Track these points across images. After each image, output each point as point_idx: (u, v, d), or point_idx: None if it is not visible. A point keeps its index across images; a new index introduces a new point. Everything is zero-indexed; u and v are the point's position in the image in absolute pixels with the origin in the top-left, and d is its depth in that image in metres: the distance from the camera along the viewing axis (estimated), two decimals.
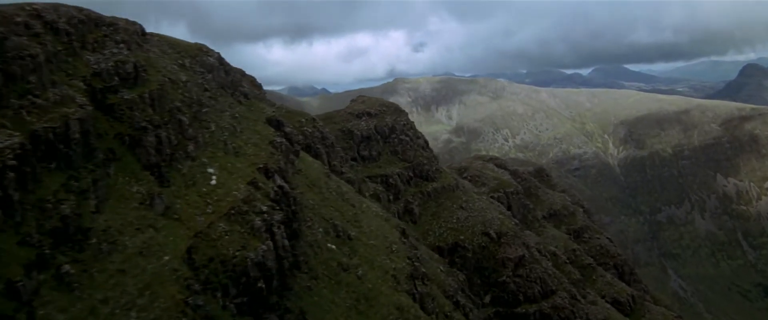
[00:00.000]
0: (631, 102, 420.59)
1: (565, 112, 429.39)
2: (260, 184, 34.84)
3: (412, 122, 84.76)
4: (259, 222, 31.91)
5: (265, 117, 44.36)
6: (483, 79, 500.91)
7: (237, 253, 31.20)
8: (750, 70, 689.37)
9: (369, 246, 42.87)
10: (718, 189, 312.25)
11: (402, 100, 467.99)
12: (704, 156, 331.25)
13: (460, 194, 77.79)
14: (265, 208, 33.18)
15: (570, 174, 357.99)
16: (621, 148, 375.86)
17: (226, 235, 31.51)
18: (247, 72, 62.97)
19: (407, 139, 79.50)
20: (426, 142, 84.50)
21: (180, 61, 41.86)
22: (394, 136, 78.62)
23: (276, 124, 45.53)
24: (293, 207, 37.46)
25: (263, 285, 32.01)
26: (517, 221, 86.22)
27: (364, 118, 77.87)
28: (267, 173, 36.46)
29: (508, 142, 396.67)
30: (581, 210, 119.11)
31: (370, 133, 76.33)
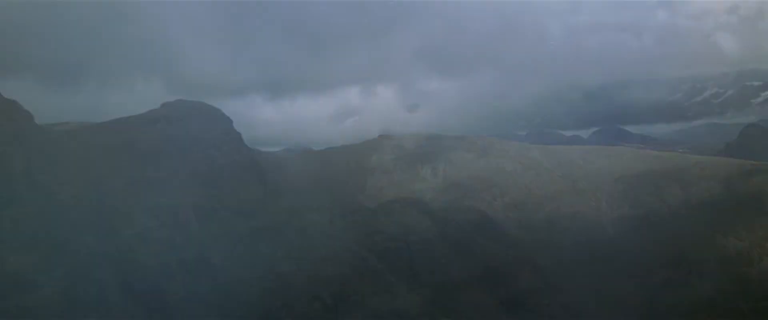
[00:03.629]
0: (625, 159, 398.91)
1: (557, 170, 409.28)
2: None
3: (239, 134, 61.65)
4: None
5: None
6: (471, 136, 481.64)
7: None
8: (751, 131, 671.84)
9: None
10: (718, 250, 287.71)
11: (386, 158, 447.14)
12: (703, 214, 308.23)
13: None
14: None
15: (561, 234, 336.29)
16: (615, 207, 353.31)
17: None
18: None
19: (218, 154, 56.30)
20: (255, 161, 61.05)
21: None
22: (197, 149, 55.48)
23: None
24: None
25: None
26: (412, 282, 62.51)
27: (159, 124, 54.87)
28: None
29: (496, 200, 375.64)
30: (529, 268, 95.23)
31: (159, 146, 53.29)
